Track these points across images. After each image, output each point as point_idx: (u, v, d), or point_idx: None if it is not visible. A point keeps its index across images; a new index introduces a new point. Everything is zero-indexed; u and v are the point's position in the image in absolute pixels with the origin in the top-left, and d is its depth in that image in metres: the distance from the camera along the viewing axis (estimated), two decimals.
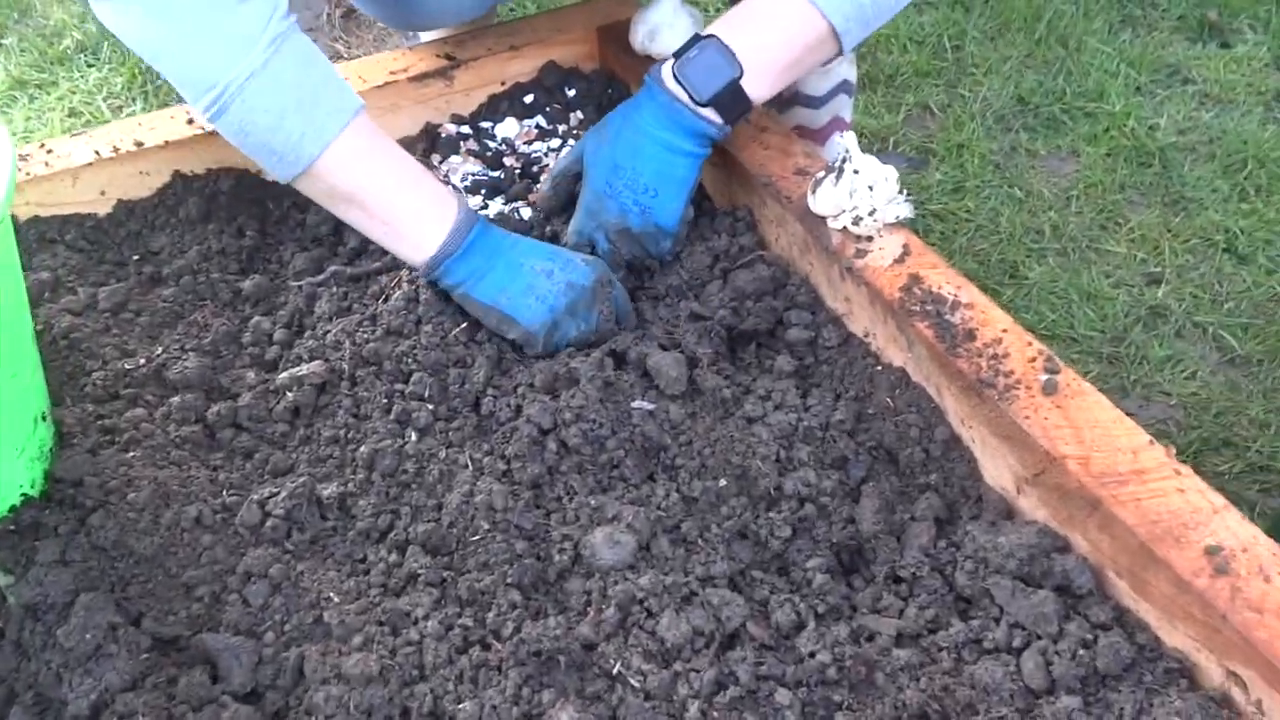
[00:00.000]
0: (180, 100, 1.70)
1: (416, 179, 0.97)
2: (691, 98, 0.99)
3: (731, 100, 0.99)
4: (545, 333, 0.96)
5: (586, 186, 1.04)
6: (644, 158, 1.01)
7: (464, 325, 0.98)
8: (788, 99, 1.39)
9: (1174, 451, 0.77)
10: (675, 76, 1.00)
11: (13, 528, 0.79)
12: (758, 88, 0.99)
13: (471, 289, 0.96)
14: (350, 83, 1.20)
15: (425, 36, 1.56)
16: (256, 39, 0.88)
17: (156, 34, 0.89)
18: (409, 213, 0.96)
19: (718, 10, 1.99)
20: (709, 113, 0.99)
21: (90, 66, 1.71)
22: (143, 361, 0.96)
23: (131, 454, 0.88)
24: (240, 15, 0.88)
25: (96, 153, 1.10)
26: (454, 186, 1.06)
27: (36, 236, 1.07)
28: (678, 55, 1.01)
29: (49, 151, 1.10)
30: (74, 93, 1.65)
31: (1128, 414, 0.80)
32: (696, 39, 1.01)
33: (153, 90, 1.66)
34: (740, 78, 0.98)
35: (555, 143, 1.22)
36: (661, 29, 1.19)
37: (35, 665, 0.75)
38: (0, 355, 0.74)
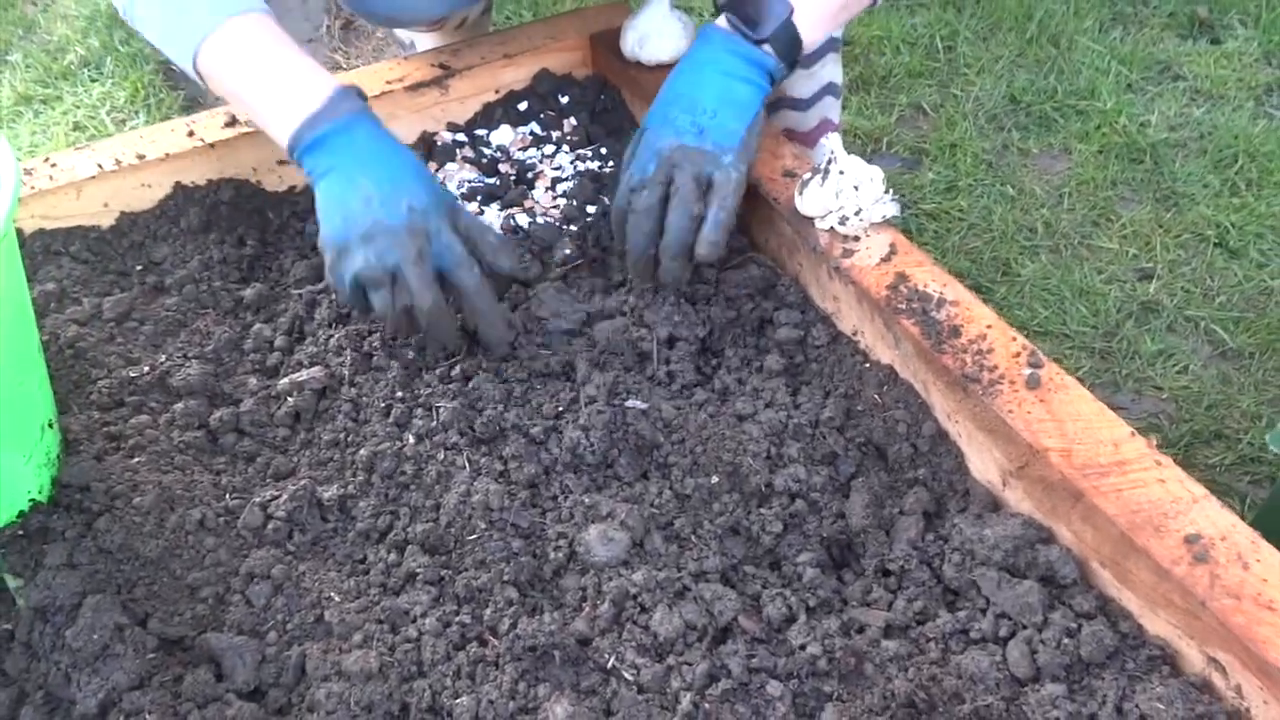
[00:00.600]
0: (183, 113, 1.73)
1: (287, 68, 0.96)
2: (747, 36, 1.00)
3: (787, 39, 1.01)
4: (333, 252, 0.93)
5: (643, 130, 1.03)
6: (703, 84, 1.00)
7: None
8: (774, 101, 1.41)
9: (1154, 443, 0.79)
10: (729, 20, 1.01)
11: (21, 532, 0.81)
12: (809, 29, 1.02)
13: (315, 184, 0.96)
14: None
15: (420, 46, 1.58)
16: None
17: None
18: (274, 100, 0.96)
19: (709, 16, 2.01)
20: (766, 48, 1.01)
21: (94, 81, 1.74)
22: (147, 369, 0.98)
23: (136, 459, 0.90)
24: None
25: (99, 166, 1.12)
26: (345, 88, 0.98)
27: (42, 249, 1.09)
28: (729, 5, 1.01)
29: (53, 165, 1.12)
30: (78, 107, 1.68)
31: (1120, 408, 0.81)
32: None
33: (155, 104, 1.69)
34: (792, 14, 1.00)
35: (549, 149, 1.24)
36: (651, 36, 1.21)
37: (45, 665, 0.77)
38: (8, 365, 0.76)
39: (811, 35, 1.03)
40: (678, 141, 0.98)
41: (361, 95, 0.99)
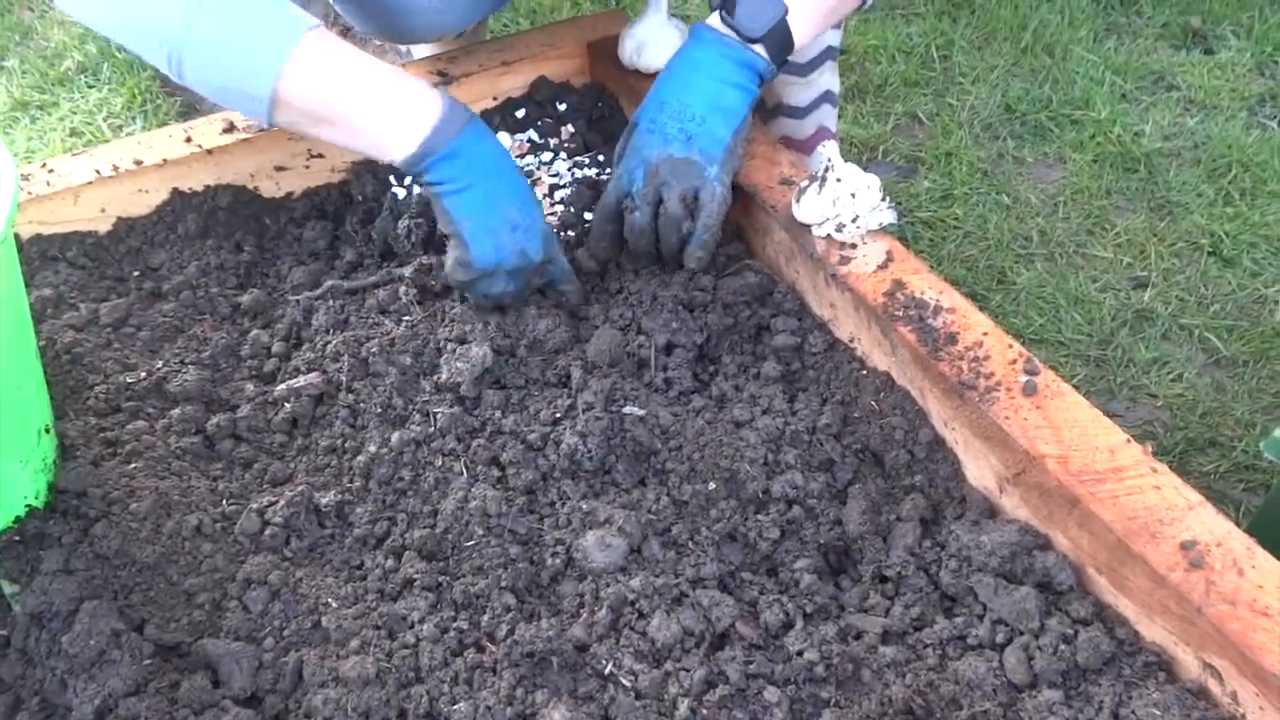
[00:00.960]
0: (180, 119, 1.73)
1: (390, 80, 0.93)
2: (740, 35, 1.01)
3: (779, 39, 1.01)
4: (479, 276, 0.97)
5: (634, 129, 1.04)
6: (693, 89, 1.02)
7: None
8: (772, 109, 1.42)
9: (1150, 449, 0.79)
10: (723, 19, 1.01)
11: (18, 538, 0.81)
12: (801, 29, 1.03)
13: (446, 196, 0.96)
14: None
15: (418, 53, 1.58)
16: (174, 8, 0.86)
17: (105, 8, 0.91)
18: (387, 114, 0.92)
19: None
20: (758, 48, 1.02)
21: (91, 87, 1.74)
22: (144, 375, 0.98)
23: (133, 465, 0.90)
24: None
25: (97, 171, 1.12)
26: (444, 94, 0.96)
27: (39, 254, 1.09)
28: (722, 4, 1.02)
29: (50, 171, 1.12)
30: (75, 113, 1.68)
31: (1115, 416, 0.82)
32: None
33: (152, 110, 1.69)
34: (786, 14, 1.01)
35: (547, 156, 1.24)
36: (649, 44, 1.21)
37: (41, 672, 0.77)
38: (5, 370, 0.76)
39: (803, 35, 1.04)
40: (666, 151, 1.00)
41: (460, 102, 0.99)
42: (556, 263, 1.02)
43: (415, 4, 1.14)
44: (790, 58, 1.36)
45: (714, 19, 1.04)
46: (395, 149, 0.94)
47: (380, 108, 0.93)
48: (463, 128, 0.95)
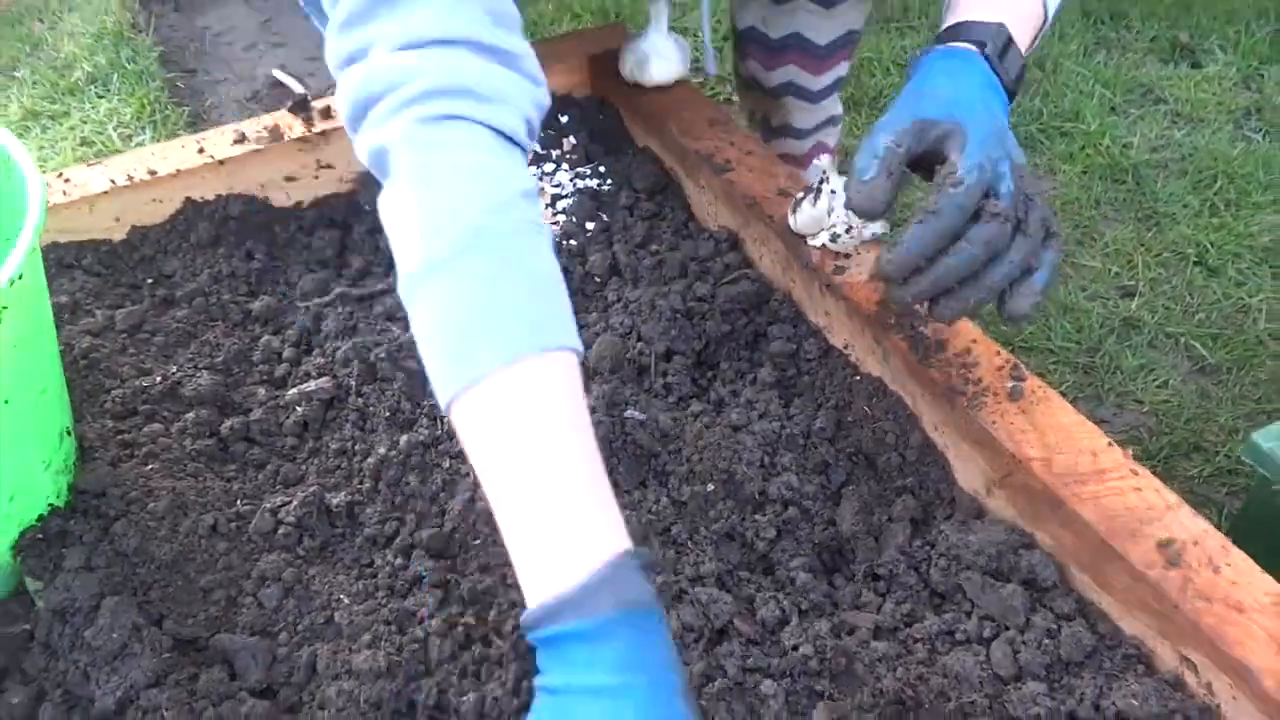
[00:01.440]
0: (189, 129, 1.76)
1: (574, 487, 0.63)
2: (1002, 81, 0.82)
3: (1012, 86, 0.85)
4: None
5: (963, 132, 0.77)
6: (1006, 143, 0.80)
7: None
8: (776, 129, 1.45)
9: (1131, 453, 0.82)
10: (995, 68, 0.82)
11: (41, 536, 0.83)
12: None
13: (561, 695, 0.61)
14: None
15: None
16: (446, 228, 0.66)
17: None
18: (539, 536, 0.63)
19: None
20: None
21: (101, 98, 1.77)
22: (159, 379, 1.01)
23: (150, 466, 0.92)
24: (449, 190, 0.67)
25: (112, 181, 1.15)
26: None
27: (55, 262, 1.12)
28: (988, 45, 0.82)
29: (66, 180, 1.15)
30: (85, 123, 1.71)
31: (1102, 421, 0.85)
32: (1000, 28, 0.83)
33: (161, 120, 1.72)
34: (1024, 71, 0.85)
35: (549, 167, 1.28)
36: (650, 58, 1.25)
37: (63, 665, 0.79)
38: (32, 373, 0.79)
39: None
40: (1023, 160, 0.79)
41: (653, 569, 0.73)
42: None
43: None
44: (804, 85, 1.39)
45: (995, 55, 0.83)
46: (526, 593, 0.63)
47: (534, 526, 0.63)
48: (626, 602, 0.60)
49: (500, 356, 0.63)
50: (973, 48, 0.82)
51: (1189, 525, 0.77)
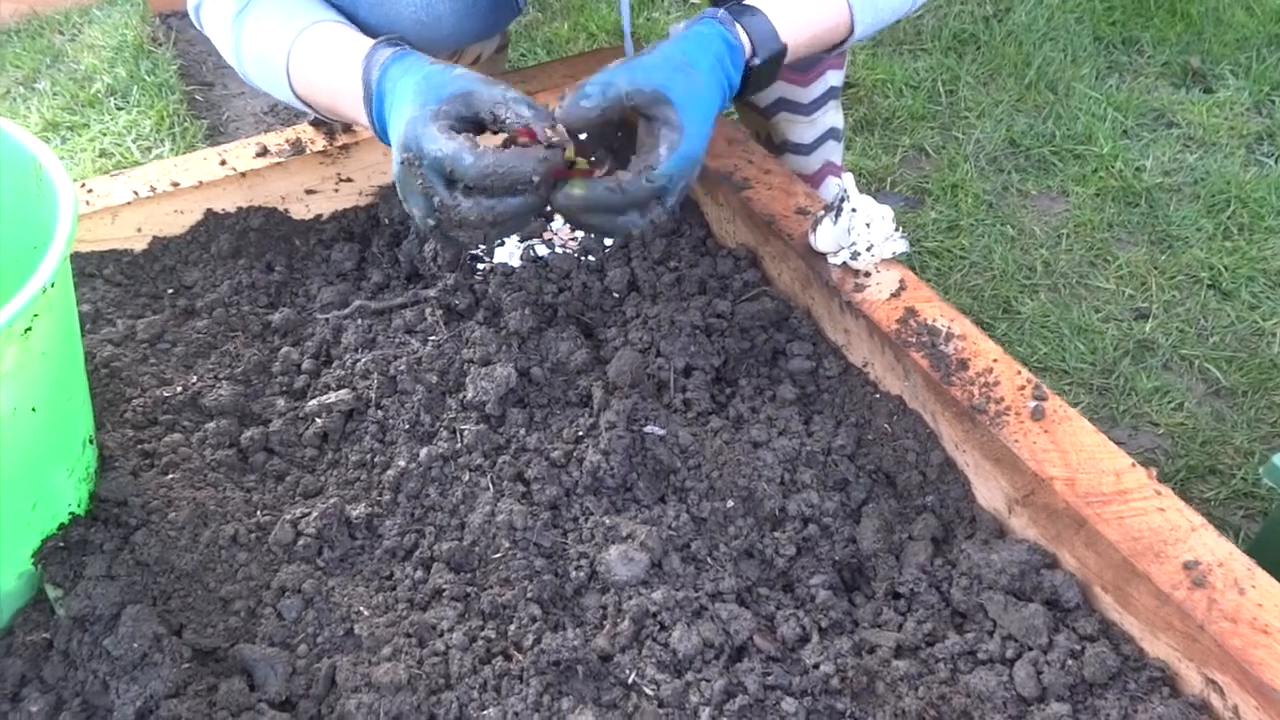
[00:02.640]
0: (207, 141, 1.77)
1: (340, 47, 0.99)
2: (750, 56, 0.96)
3: (768, 75, 0.99)
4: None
5: (692, 130, 0.88)
6: (712, 107, 0.92)
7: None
8: (779, 146, 1.46)
9: (1155, 474, 0.82)
10: (750, 61, 0.96)
11: (62, 544, 0.83)
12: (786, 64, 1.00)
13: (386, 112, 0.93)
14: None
15: None
16: (226, 21, 1.06)
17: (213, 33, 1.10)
18: (346, 77, 0.98)
19: None
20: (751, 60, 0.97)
21: (120, 109, 1.78)
22: (179, 389, 1.01)
23: (170, 476, 0.93)
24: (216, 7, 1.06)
25: (134, 192, 1.15)
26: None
27: (77, 271, 1.13)
28: (752, 34, 0.96)
29: (89, 191, 1.16)
30: (104, 134, 1.72)
31: (1118, 443, 0.85)
32: (769, 28, 0.97)
33: (180, 132, 1.73)
34: (784, 54, 0.98)
35: None
36: None
37: (82, 674, 0.79)
38: (60, 382, 0.79)
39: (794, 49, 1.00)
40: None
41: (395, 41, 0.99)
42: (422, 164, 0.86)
43: (401, 19, 1.15)
44: (794, 98, 1.40)
45: (731, 24, 0.96)
46: (360, 108, 0.96)
47: (340, 74, 0.98)
48: (376, 71, 0.94)
49: (295, 32, 1.02)
50: (741, 47, 0.95)
51: (1214, 546, 0.77)
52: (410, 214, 0.90)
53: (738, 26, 0.96)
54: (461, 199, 0.85)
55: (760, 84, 0.99)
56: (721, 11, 0.97)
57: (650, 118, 0.89)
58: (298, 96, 1.05)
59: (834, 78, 1.40)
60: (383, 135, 0.96)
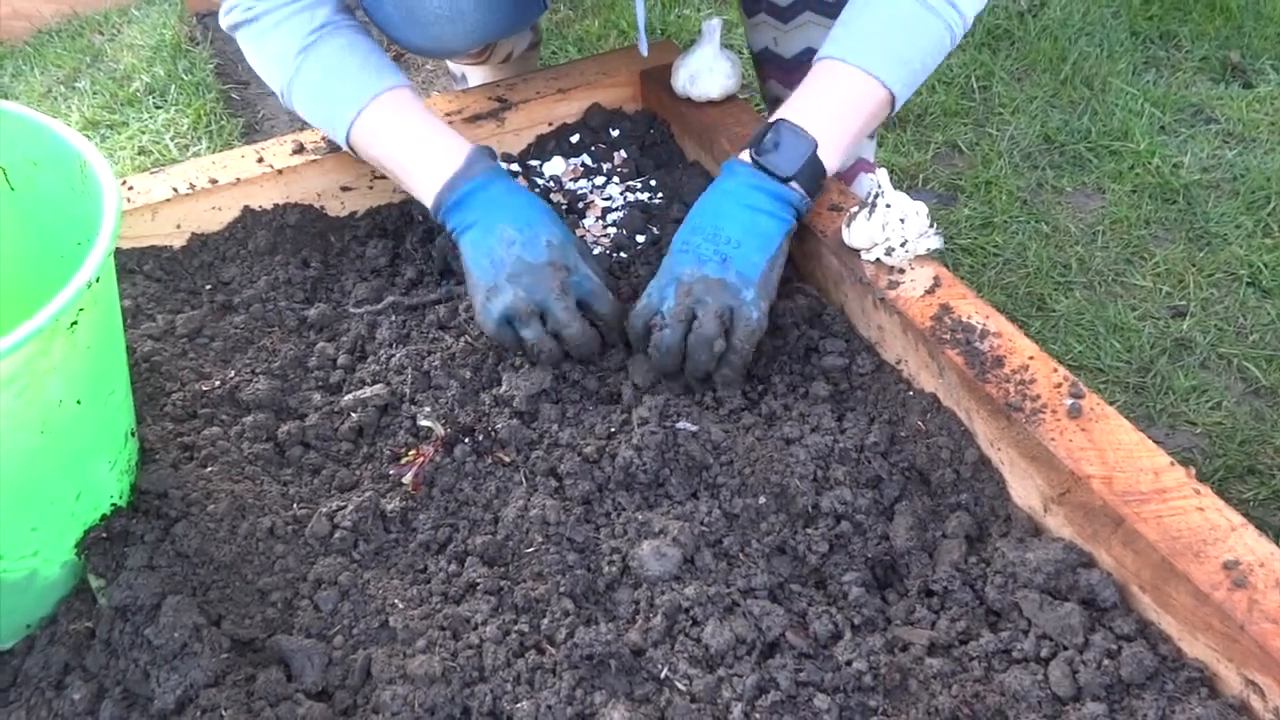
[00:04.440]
0: (243, 138, 1.80)
1: (428, 137, 1.08)
2: (772, 174, 1.02)
3: (812, 174, 1.02)
4: (483, 293, 1.01)
5: (666, 254, 1.02)
6: (726, 215, 1.00)
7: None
8: None
9: (1193, 473, 0.81)
10: (754, 160, 1.02)
11: (104, 535, 0.85)
12: (832, 157, 1.04)
13: (460, 238, 1.05)
14: None
15: (473, 79, 1.64)
16: (288, 56, 1.11)
17: (252, 49, 1.16)
18: (420, 168, 1.08)
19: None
20: (793, 185, 1.02)
21: (158, 108, 1.81)
22: (217, 383, 1.03)
23: (209, 469, 0.94)
24: (278, 36, 1.11)
25: (174, 189, 1.17)
26: (485, 150, 1.10)
27: (119, 267, 1.15)
28: (753, 144, 1.03)
29: (130, 188, 1.17)
30: (143, 132, 1.75)
31: (1155, 442, 0.84)
32: (767, 126, 1.03)
33: (216, 130, 1.75)
34: (817, 149, 1.02)
35: (600, 180, 1.29)
36: (702, 73, 1.26)
37: (124, 663, 0.81)
38: (104, 375, 0.80)
39: (834, 162, 1.04)
40: (700, 271, 0.98)
41: (493, 154, 1.09)
42: (578, 272, 1.02)
43: (425, 13, 1.16)
44: None
45: (744, 155, 1.04)
46: (425, 199, 1.08)
47: (416, 163, 1.08)
48: (476, 175, 1.05)
49: (355, 107, 1.10)
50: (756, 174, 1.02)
51: (1254, 546, 0.76)
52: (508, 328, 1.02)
53: (761, 172, 1.02)
54: (546, 339, 1.01)
55: (814, 178, 1.04)
56: (737, 165, 1.04)
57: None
58: (350, 147, 1.13)
59: None
60: (447, 218, 1.07)
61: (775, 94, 1.42)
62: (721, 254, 0.98)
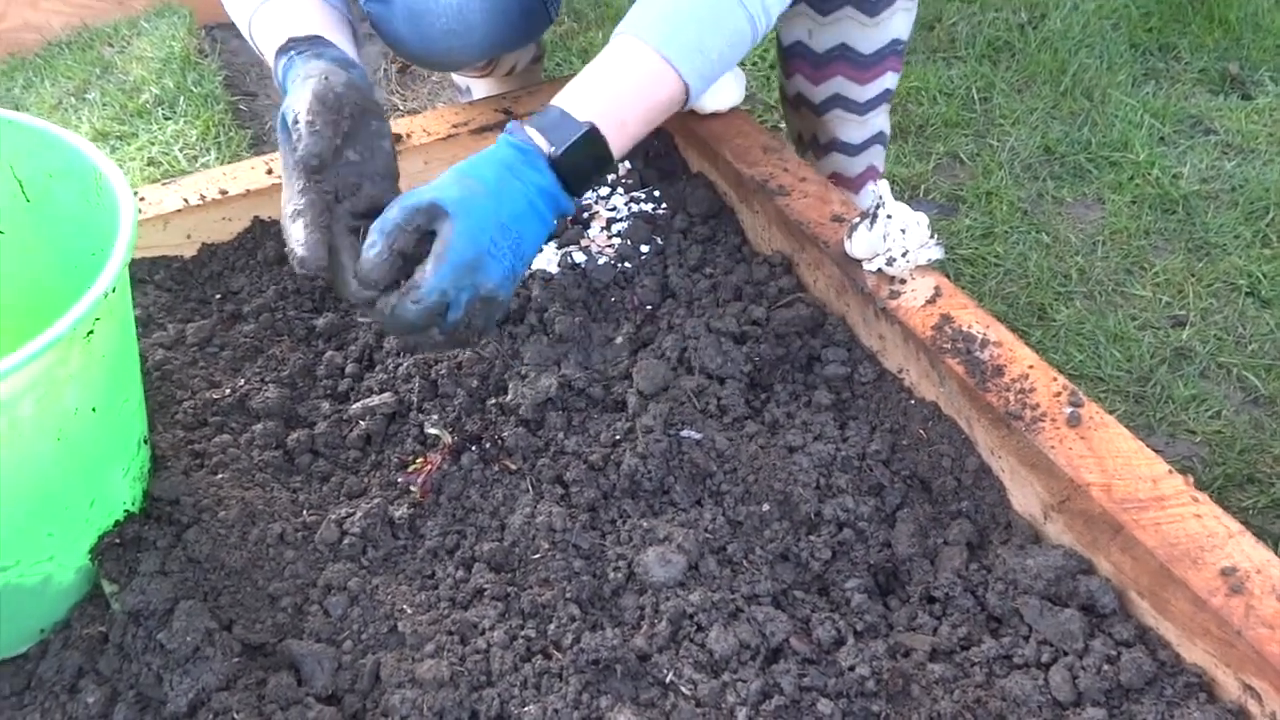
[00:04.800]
0: (251, 149, 1.81)
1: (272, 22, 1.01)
2: (551, 150, 0.92)
3: (592, 157, 0.94)
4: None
5: (460, 236, 0.85)
6: (529, 230, 0.90)
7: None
8: (825, 145, 1.46)
9: (1192, 481, 0.82)
10: (549, 153, 0.91)
11: (118, 540, 0.86)
12: (617, 150, 0.96)
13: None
14: (415, 135, 1.29)
15: (477, 92, 1.65)
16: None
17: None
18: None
19: (753, 64, 2.08)
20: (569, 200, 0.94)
21: (168, 119, 1.83)
22: (227, 392, 1.04)
23: (220, 476, 0.95)
24: None
25: (184, 200, 1.19)
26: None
27: (130, 277, 1.16)
28: (543, 129, 0.92)
29: (141, 199, 1.19)
30: (152, 144, 1.76)
31: (1154, 451, 0.85)
32: (561, 115, 0.93)
33: (225, 141, 1.77)
34: (610, 164, 0.95)
35: (604, 190, 1.30)
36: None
37: (137, 666, 0.82)
38: (118, 383, 0.82)
39: (618, 154, 0.95)
40: (496, 291, 0.88)
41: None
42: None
43: (434, 27, 1.16)
44: (850, 96, 1.41)
45: (539, 140, 0.92)
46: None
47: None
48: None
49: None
50: (535, 147, 0.92)
51: (1251, 553, 0.77)
52: None
53: (525, 129, 0.93)
54: None
55: (588, 170, 0.94)
56: (510, 123, 0.95)
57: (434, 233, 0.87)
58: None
59: (891, 80, 1.40)
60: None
61: (799, 90, 1.43)
62: (516, 274, 0.89)
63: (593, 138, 0.93)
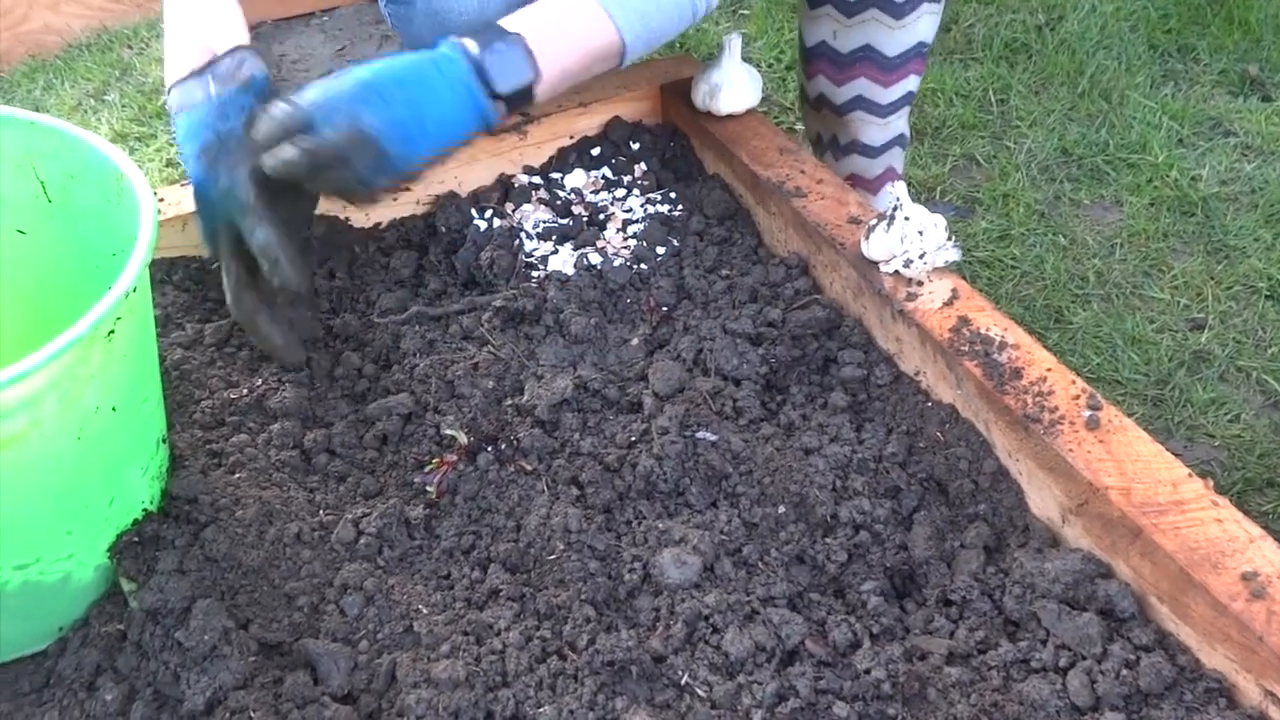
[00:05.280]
0: None
1: (188, 23, 1.01)
2: (490, 89, 0.96)
3: (519, 100, 0.99)
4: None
5: (348, 71, 0.92)
6: (433, 96, 0.92)
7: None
8: (846, 146, 1.46)
9: (1212, 484, 0.82)
10: (473, 52, 0.96)
11: (136, 539, 0.87)
12: (543, 92, 1.01)
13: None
14: None
15: None
16: None
17: None
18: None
19: (768, 65, 2.08)
20: (498, 104, 0.98)
21: None
22: (245, 392, 1.05)
23: (238, 475, 0.96)
24: None
25: None
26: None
27: (149, 277, 1.17)
28: (480, 41, 0.96)
29: (161, 200, 1.20)
30: (171, 145, 1.77)
31: (1173, 455, 0.84)
32: (502, 32, 0.98)
33: None
34: (535, 83, 0.99)
35: (620, 192, 1.30)
36: (722, 87, 1.27)
37: (154, 665, 0.82)
38: (138, 383, 0.82)
39: (544, 97, 1.01)
40: (362, 130, 0.90)
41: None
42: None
43: (454, 26, 1.16)
44: (873, 98, 1.41)
45: (472, 46, 0.96)
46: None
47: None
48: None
49: None
50: (459, 43, 0.96)
51: (1272, 557, 0.76)
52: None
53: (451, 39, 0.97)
54: None
55: (509, 75, 0.98)
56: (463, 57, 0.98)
57: None
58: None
59: (914, 83, 1.40)
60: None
61: (820, 91, 1.43)
62: (404, 133, 0.91)
63: (518, 48, 0.96)
